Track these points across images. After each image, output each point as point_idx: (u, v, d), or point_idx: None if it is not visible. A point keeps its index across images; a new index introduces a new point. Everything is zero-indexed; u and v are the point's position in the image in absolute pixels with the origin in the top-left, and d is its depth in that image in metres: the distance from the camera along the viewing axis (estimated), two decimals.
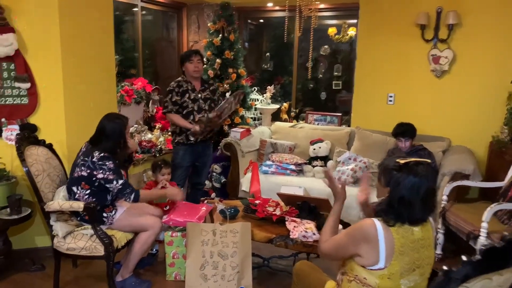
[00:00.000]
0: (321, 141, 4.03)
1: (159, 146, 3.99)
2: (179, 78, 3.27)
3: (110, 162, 2.32)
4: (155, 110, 4.35)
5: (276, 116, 5.02)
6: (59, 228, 2.34)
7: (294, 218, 2.61)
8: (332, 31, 4.58)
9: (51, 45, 2.71)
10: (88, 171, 2.33)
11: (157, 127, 4.21)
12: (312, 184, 3.66)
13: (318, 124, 4.85)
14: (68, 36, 2.77)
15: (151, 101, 4.31)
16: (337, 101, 5.14)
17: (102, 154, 2.32)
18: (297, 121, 4.99)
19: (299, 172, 3.88)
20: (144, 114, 4.26)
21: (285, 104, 4.99)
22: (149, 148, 3.88)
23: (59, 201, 2.31)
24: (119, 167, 2.41)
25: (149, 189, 3.03)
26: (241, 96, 3.36)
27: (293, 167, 3.83)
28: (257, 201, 2.79)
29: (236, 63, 4.32)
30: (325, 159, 3.95)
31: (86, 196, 2.36)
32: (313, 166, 3.90)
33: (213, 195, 4.27)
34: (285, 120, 4.98)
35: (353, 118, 4.35)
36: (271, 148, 4.10)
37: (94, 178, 2.33)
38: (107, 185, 2.34)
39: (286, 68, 5.62)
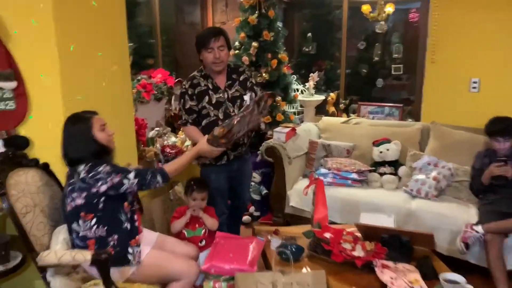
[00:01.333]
0: (387, 141, 3.26)
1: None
2: (195, 73, 2.39)
3: (102, 166, 1.74)
4: (178, 108, 3.65)
5: (319, 110, 4.28)
6: (58, 285, 1.69)
7: (385, 262, 1.89)
8: (366, 8, 3.75)
9: (43, 28, 2.02)
10: (84, 194, 1.72)
11: (182, 128, 3.52)
12: (380, 198, 2.92)
13: (373, 118, 4.07)
14: (65, 17, 2.08)
15: (173, 97, 3.62)
16: (397, 89, 4.34)
17: (89, 164, 1.74)
18: (347, 115, 4.23)
19: (363, 182, 3.14)
20: (165, 113, 3.58)
21: (332, 95, 4.23)
22: (174, 155, 3.20)
23: (56, 250, 1.65)
24: (115, 165, 1.84)
25: (179, 217, 2.35)
26: (269, 101, 2.16)
27: (355, 175, 3.10)
28: (327, 235, 2.07)
29: (276, 46, 3.57)
30: (394, 164, 3.19)
31: (95, 228, 1.74)
32: (381, 174, 3.15)
33: (251, 209, 3.58)
34: (332, 114, 4.22)
35: (424, 110, 3.57)
36: (323, 151, 3.36)
37: (95, 200, 1.73)
38: (120, 191, 1.76)
39: (327, 51, 4.84)
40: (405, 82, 4.22)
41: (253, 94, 2.43)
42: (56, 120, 2.06)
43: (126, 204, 1.83)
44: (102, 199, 1.73)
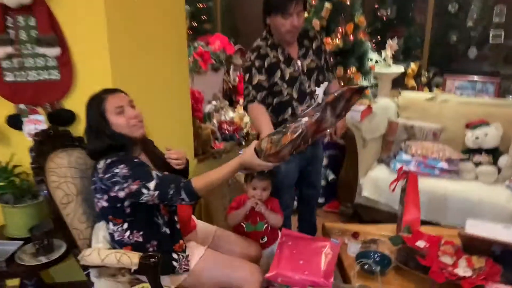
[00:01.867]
0: (485, 124, 2.73)
1: (245, 130, 3.00)
2: (259, 42, 1.96)
3: (120, 166, 1.41)
4: (237, 79, 3.33)
5: (396, 83, 3.75)
6: None
7: (501, 287, 1.47)
8: None
9: None
10: (106, 197, 1.46)
11: (240, 102, 3.21)
12: (475, 194, 2.45)
13: (461, 94, 3.50)
14: None
15: (232, 67, 3.29)
16: (494, 60, 3.69)
17: (107, 162, 1.43)
18: (430, 90, 3.68)
19: (452, 172, 2.66)
20: (223, 85, 3.27)
21: (413, 66, 3.68)
22: (232, 134, 2.91)
23: (100, 250, 1.43)
24: (142, 164, 1.48)
25: (237, 207, 2.06)
26: (354, 98, 1.47)
27: (444, 165, 2.63)
28: (420, 243, 1.68)
29: (353, 7, 3.09)
30: (493, 153, 2.67)
31: (128, 233, 1.49)
32: (475, 164, 2.65)
33: None
34: (412, 88, 3.69)
35: None
36: (405, 133, 2.90)
37: (119, 204, 1.46)
38: (141, 201, 1.43)
39: (407, 15, 4.23)
40: (506, 51, 3.56)
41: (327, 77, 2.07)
42: None
43: (162, 205, 1.54)
44: (127, 203, 1.45)
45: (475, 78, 3.46)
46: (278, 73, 1.94)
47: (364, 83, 3.37)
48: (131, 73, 1.97)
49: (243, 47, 3.34)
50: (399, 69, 3.64)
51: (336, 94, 1.38)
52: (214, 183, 1.47)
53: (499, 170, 2.61)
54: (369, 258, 1.71)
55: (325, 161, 3.20)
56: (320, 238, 1.86)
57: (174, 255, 1.51)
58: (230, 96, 3.33)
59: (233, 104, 3.31)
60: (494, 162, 2.63)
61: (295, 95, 1.95)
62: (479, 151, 2.69)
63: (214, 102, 2.99)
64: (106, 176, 1.39)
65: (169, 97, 2.26)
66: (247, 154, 1.43)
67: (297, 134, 1.38)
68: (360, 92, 1.45)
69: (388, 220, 2.81)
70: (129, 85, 1.91)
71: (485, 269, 1.55)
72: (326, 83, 1.83)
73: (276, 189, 2.08)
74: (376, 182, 2.75)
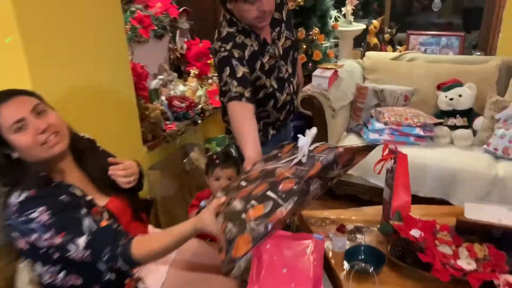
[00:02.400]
0: (458, 84, 2.58)
1: (200, 105, 2.65)
2: (229, 29, 1.59)
3: (40, 209, 1.05)
4: (185, 47, 2.93)
5: (357, 42, 3.52)
6: None
7: (510, 278, 1.33)
8: None
9: None
10: (23, 239, 1.11)
11: (191, 73, 2.83)
12: (455, 160, 2.33)
13: (426, 50, 3.34)
14: None
15: (178, 33, 2.87)
16: (459, 13, 3.54)
17: (20, 200, 1.07)
18: (393, 48, 3.48)
19: (428, 138, 2.51)
20: (170, 55, 2.86)
21: (375, 22, 3.45)
22: (185, 111, 2.55)
23: None
24: (71, 206, 1.10)
25: (197, 205, 1.76)
26: (358, 159, 1.24)
27: (419, 131, 2.46)
28: (415, 233, 1.49)
29: None
30: (468, 114, 2.53)
31: (61, 277, 1.16)
32: (451, 128, 2.51)
33: None
34: (374, 47, 3.48)
35: (503, 41, 2.82)
36: (375, 98, 2.70)
37: (42, 250, 1.11)
38: (66, 255, 1.09)
39: None
40: (473, 3, 3.41)
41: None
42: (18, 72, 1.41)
43: None
44: (52, 250, 1.11)
45: (441, 33, 3.30)
46: (258, 64, 1.61)
47: (327, 44, 3.09)
48: (51, 52, 1.55)
49: (188, 8, 2.91)
50: (360, 26, 3.40)
51: (324, 162, 1.01)
52: (159, 253, 1.12)
53: (474, 133, 2.49)
54: (359, 255, 1.50)
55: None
56: (302, 235, 1.61)
57: None
58: (178, 67, 2.94)
59: (182, 76, 2.93)
60: (469, 125, 2.51)
61: (275, 85, 1.68)
62: (453, 113, 2.55)
63: (160, 76, 2.60)
64: (21, 219, 1.03)
65: (105, 76, 1.86)
66: (207, 219, 1.05)
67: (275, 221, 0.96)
68: (369, 150, 1.16)
69: (363, 194, 2.66)
70: (49, 68, 1.50)
71: (490, 259, 1.39)
72: (313, 133, 1.17)
73: None
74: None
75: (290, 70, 1.72)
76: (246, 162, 1.24)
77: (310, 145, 1.12)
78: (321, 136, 2.59)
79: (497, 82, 2.63)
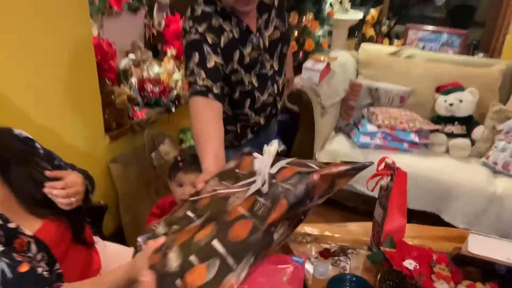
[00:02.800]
0: (459, 88, 2.39)
1: (175, 91, 2.39)
2: (205, 8, 1.31)
3: None
4: (163, 23, 2.63)
5: (351, 33, 3.29)
6: None
7: None
8: None
9: None
10: None
11: (168, 53, 2.55)
12: (450, 173, 2.15)
13: (424, 47, 3.14)
14: None
15: (156, 7, 2.57)
16: (465, 10, 3.33)
17: None
18: (390, 41, 3.27)
19: (423, 146, 2.32)
20: (145, 31, 2.56)
21: (374, 12, 3.21)
22: (158, 96, 2.29)
23: None
24: None
25: (161, 216, 1.52)
26: (345, 180, 0.82)
27: (414, 137, 2.27)
28: (409, 264, 1.31)
29: None
30: (467, 121, 2.35)
31: None
32: (447, 135, 2.32)
33: None
34: (370, 39, 3.25)
35: (510, 43, 2.63)
36: (368, 97, 2.48)
37: None
38: None
39: None
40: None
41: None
42: None
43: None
44: None
45: (442, 29, 3.10)
46: (237, 55, 1.34)
47: (321, 31, 2.85)
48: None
49: None
50: (357, 15, 3.16)
51: (291, 200, 0.72)
52: None
53: (472, 143, 2.32)
54: (343, 286, 1.31)
55: None
56: (279, 257, 1.40)
57: None
58: (154, 45, 2.65)
59: (158, 56, 2.64)
60: (467, 134, 2.33)
61: (255, 83, 1.41)
62: (451, 119, 2.36)
63: (132, 55, 2.31)
64: None
65: (58, 52, 1.58)
66: (141, 268, 0.77)
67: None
68: (356, 172, 0.81)
69: (346, 199, 2.46)
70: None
71: None
72: (273, 150, 0.84)
73: None
74: (334, 157, 2.34)
75: (276, 67, 1.46)
76: (200, 176, 0.98)
77: (273, 165, 0.79)
78: (308, 135, 2.38)
79: (500, 89, 2.45)
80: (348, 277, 1.33)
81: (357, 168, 0.81)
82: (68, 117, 1.69)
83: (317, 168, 0.76)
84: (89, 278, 1.13)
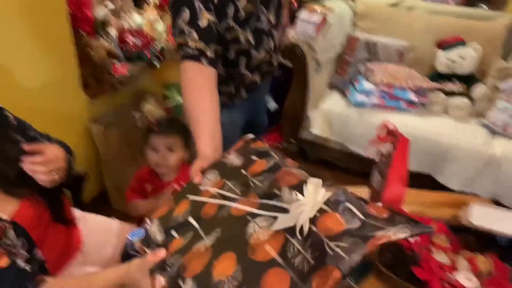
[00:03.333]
0: (461, 43, 2.26)
1: (159, 44, 2.22)
2: None
3: None
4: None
5: None
6: None
7: None
8: None
9: None
10: None
11: (151, 2, 2.35)
12: (448, 134, 2.08)
13: None
14: None
15: None
16: None
17: None
18: None
19: (420, 105, 2.23)
20: None
21: None
22: (140, 50, 2.12)
23: None
24: None
25: (139, 189, 1.44)
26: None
27: (412, 96, 2.17)
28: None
29: None
30: (468, 80, 2.25)
31: None
32: (447, 94, 2.23)
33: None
34: None
35: None
36: (365, 52, 2.35)
37: None
38: None
39: None
40: None
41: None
42: None
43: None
44: None
45: None
46: (231, 10, 1.18)
47: None
48: None
49: None
50: None
51: (344, 270, 0.56)
52: None
53: (471, 102, 2.23)
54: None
55: None
56: None
57: None
58: None
59: (140, 4, 2.43)
60: (467, 92, 2.24)
61: (252, 40, 1.27)
62: (451, 77, 2.26)
63: (110, 4, 2.11)
64: None
65: (26, 4, 1.41)
66: (138, 279, 0.70)
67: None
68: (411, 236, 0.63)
69: (339, 160, 2.40)
70: None
71: (494, 274, 1.18)
72: (323, 193, 0.69)
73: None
74: (328, 116, 2.25)
75: (272, 20, 1.32)
76: (196, 164, 0.87)
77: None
78: (301, 92, 2.26)
79: (503, 45, 2.34)
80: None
81: (414, 235, 0.64)
82: (40, 74, 1.55)
83: (365, 219, 0.63)
84: (69, 257, 1.06)
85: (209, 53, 1.09)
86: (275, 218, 0.66)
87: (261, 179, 0.78)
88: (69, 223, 1.04)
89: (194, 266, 0.66)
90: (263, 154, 0.87)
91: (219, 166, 0.87)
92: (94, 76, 1.84)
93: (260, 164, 0.83)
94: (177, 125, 1.40)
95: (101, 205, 1.97)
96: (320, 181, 0.66)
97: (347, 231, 0.61)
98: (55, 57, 1.60)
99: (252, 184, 0.77)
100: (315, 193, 0.65)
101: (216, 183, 0.82)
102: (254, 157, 0.86)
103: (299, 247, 0.61)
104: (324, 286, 0.56)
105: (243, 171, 0.83)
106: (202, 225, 0.73)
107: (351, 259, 0.57)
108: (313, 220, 0.63)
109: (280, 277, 0.59)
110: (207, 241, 0.69)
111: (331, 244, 0.60)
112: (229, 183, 0.80)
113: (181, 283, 0.64)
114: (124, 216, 1.43)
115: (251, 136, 0.96)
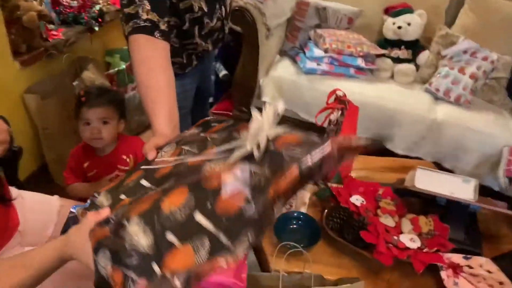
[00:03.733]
0: (408, 10, 2.31)
1: (97, 6, 2.07)
2: None
3: None
4: None
5: None
6: None
7: (454, 258, 1.23)
8: None
9: None
10: None
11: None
12: (394, 100, 2.15)
13: None
14: None
15: None
16: None
17: None
18: None
19: (369, 71, 2.27)
20: None
21: None
22: (77, 13, 1.98)
23: None
24: None
25: (76, 168, 1.38)
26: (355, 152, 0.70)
27: (361, 62, 2.20)
28: (356, 199, 1.31)
29: None
30: (413, 46, 2.31)
31: None
32: (393, 60, 2.29)
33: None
34: None
35: None
36: (316, 18, 2.33)
37: None
38: None
39: None
40: None
41: None
42: None
43: None
44: None
45: None
46: None
47: None
48: None
49: None
50: None
51: (303, 168, 0.58)
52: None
53: (417, 68, 2.30)
54: (290, 224, 1.29)
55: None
56: None
57: None
58: None
59: None
60: (413, 58, 2.30)
61: (204, 7, 1.22)
62: (398, 43, 2.31)
63: None
64: None
65: None
66: (78, 246, 0.64)
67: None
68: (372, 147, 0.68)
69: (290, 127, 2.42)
70: None
71: (435, 234, 1.25)
72: (279, 110, 0.67)
73: None
74: (279, 83, 2.24)
75: None
76: (152, 141, 0.82)
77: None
78: (252, 59, 2.22)
79: (446, 11, 2.41)
80: (295, 214, 1.31)
81: (374, 145, 0.69)
82: None
83: (324, 139, 0.63)
84: (6, 238, 0.99)
85: (162, 26, 1.01)
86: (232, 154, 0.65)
87: (219, 133, 0.75)
88: (6, 202, 0.96)
89: (140, 207, 0.62)
90: (222, 121, 0.84)
91: (177, 139, 0.83)
92: (25, 41, 1.69)
93: (219, 126, 0.80)
94: (108, 94, 1.32)
95: (42, 181, 1.87)
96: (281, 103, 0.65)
97: (305, 141, 0.62)
98: None
99: (209, 140, 0.74)
100: (272, 113, 0.64)
101: (172, 153, 0.78)
102: (213, 124, 0.83)
103: (257, 170, 0.60)
104: (281, 187, 0.58)
105: (202, 134, 0.79)
106: (155, 183, 0.69)
107: (311, 158, 0.58)
108: (273, 141, 0.63)
109: (236, 196, 0.58)
110: (158, 189, 0.66)
111: (289, 152, 0.60)
112: (186, 147, 0.76)
113: (125, 222, 0.60)
114: None
115: (211, 118, 0.92)
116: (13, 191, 1.10)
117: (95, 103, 1.25)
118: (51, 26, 1.84)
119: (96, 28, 2.01)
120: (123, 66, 2.18)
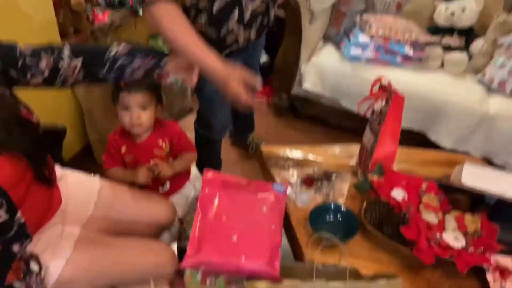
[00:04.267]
0: None
1: None
2: None
3: None
4: None
5: None
6: None
7: (502, 260, 1.16)
8: None
9: None
10: None
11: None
12: (443, 91, 2.04)
13: None
14: None
15: None
16: None
17: None
18: None
19: (416, 60, 2.17)
20: None
21: None
22: None
23: None
24: None
25: (115, 154, 1.40)
26: None
27: (409, 50, 2.10)
28: (398, 193, 1.25)
29: None
30: (467, 33, 2.18)
31: None
32: (444, 48, 2.17)
33: None
34: None
35: None
36: (362, 2, 2.25)
37: None
38: None
39: None
40: None
41: None
42: None
43: None
44: None
45: None
46: None
47: None
48: None
49: None
50: None
51: None
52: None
53: (469, 57, 2.17)
54: (327, 215, 1.26)
55: None
56: (259, 184, 1.32)
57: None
58: None
59: None
60: (466, 47, 2.17)
61: None
62: (450, 30, 2.18)
63: None
64: None
65: None
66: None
67: None
68: None
69: (330, 116, 2.37)
70: None
71: (481, 234, 1.18)
72: None
73: (204, 107, 1.43)
74: (321, 70, 2.18)
75: None
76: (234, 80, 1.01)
77: None
78: (294, 45, 2.18)
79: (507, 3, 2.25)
80: (331, 206, 1.28)
81: None
82: (14, 23, 1.45)
83: None
84: (49, 218, 1.02)
85: None
86: None
87: None
88: (52, 183, 1.00)
89: None
90: None
91: None
92: (72, 24, 1.73)
93: None
94: (143, 81, 1.33)
95: (85, 161, 1.94)
96: None
97: None
98: (32, 10, 1.49)
99: None
100: None
101: None
102: None
103: None
104: None
105: None
106: None
107: None
108: None
109: None
110: None
111: None
112: None
113: None
114: None
115: None
116: (57, 170, 1.14)
117: (134, 88, 1.26)
118: (97, 9, 1.88)
119: (140, 12, 2.03)
120: (167, 50, 2.20)
